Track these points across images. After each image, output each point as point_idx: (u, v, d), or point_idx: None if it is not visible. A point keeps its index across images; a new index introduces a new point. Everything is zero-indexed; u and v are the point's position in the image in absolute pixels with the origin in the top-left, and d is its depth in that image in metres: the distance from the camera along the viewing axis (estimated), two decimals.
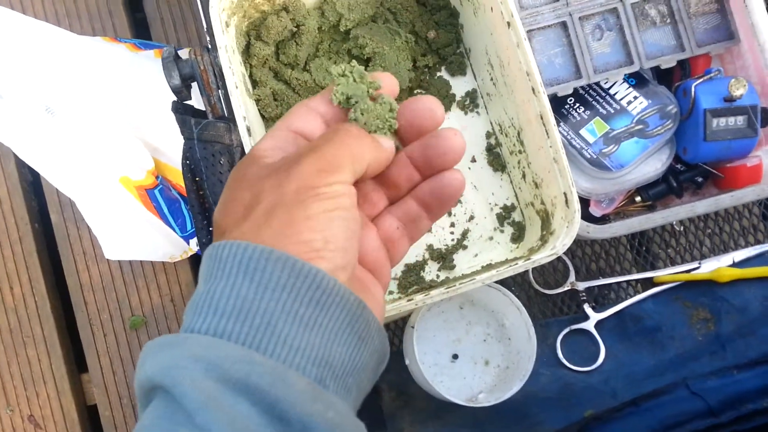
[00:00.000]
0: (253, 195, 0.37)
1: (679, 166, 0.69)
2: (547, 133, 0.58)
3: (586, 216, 0.69)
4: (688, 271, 0.70)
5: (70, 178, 0.99)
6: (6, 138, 0.95)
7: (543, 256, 0.58)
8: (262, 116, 0.67)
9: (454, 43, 0.70)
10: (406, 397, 0.68)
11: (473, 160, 0.70)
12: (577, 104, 0.67)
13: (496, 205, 0.69)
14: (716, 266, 0.70)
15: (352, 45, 0.67)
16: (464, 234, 0.68)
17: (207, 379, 0.32)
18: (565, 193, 0.58)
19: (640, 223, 0.64)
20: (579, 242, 0.74)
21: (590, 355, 0.70)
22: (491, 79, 0.67)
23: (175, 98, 0.68)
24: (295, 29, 0.66)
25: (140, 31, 1.40)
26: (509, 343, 0.67)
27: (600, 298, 0.72)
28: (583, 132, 0.67)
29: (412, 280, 0.67)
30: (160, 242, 1.14)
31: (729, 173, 0.67)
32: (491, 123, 0.70)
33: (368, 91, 0.40)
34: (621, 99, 0.67)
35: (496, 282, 0.60)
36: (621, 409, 0.63)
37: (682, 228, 0.73)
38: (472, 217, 0.69)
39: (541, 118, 0.58)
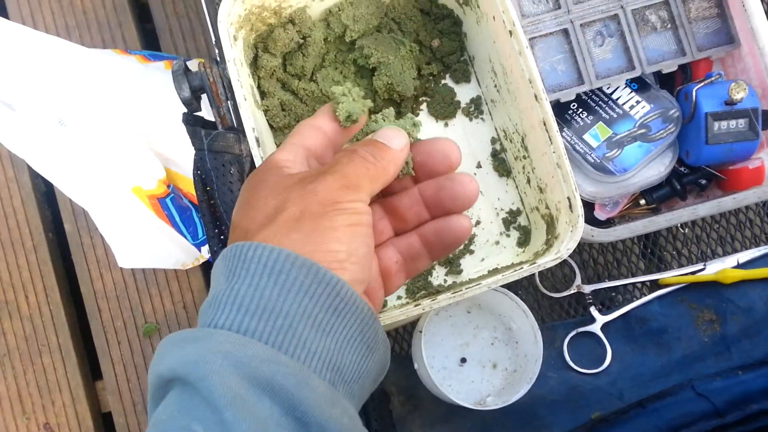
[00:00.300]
0: (278, 201, 0.39)
1: (682, 169, 0.70)
2: (550, 139, 0.59)
3: (591, 219, 0.70)
4: (693, 273, 0.71)
5: (83, 188, 1.01)
6: (20, 149, 0.96)
7: (548, 260, 0.58)
8: (271, 126, 0.69)
9: (458, 51, 0.71)
10: (416, 401, 0.69)
11: (479, 166, 0.71)
12: (580, 109, 0.68)
13: (501, 209, 0.70)
14: (721, 268, 0.70)
15: (357, 55, 0.68)
16: (471, 239, 0.69)
17: (234, 376, 0.33)
18: (568, 198, 0.59)
19: (644, 226, 0.65)
20: (586, 245, 0.74)
21: (597, 357, 0.70)
22: (495, 86, 0.68)
23: (185, 110, 0.70)
24: (301, 41, 0.67)
25: (149, 42, 1.42)
26: (516, 346, 0.68)
27: (606, 300, 0.73)
28: (586, 137, 0.67)
29: (419, 285, 0.69)
30: (172, 250, 1.16)
31: (732, 175, 0.67)
32: (496, 129, 0.71)
33: (363, 111, 0.43)
34: (623, 104, 0.68)
35: (503, 286, 0.61)
36: (627, 410, 0.64)
37: (686, 230, 0.74)
38: (478, 222, 0.70)
39: (544, 124, 0.59)
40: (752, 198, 0.64)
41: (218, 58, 0.69)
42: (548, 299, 0.73)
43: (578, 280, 0.72)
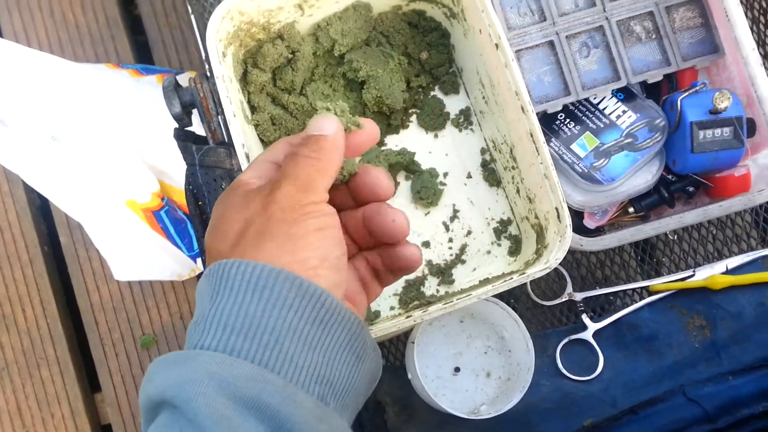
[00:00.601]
0: (243, 219, 0.39)
1: (670, 176, 0.71)
2: (537, 151, 0.60)
3: (581, 228, 0.71)
4: (682, 279, 0.71)
5: (78, 203, 1.01)
6: (14, 165, 0.97)
7: (537, 270, 0.59)
8: (262, 140, 0.69)
9: (446, 63, 0.72)
10: (410, 411, 0.70)
11: (469, 176, 0.72)
12: (568, 120, 0.69)
13: (492, 219, 0.71)
14: (710, 274, 0.71)
15: (346, 69, 0.69)
16: (462, 249, 0.70)
17: (219, 396, 0.33)
18: (556, 208, 0.60)
19: (631, 234, 0.65)
20: (576, 253, 0.75)
21: (589, 364, 0.71)
22: (483, 98, 0.69)
23: (176, 125, 0.70)
24: (290, 56, 0.68)
25: (142, 54, 1.42)
26: (510, 354, 0.69)
27: (598, 307, 0.74)
28: (574, 147, 0.68)
29: (412, 295, 0.69)
30: (167, 262, 1.16)
31: (718, 183, 0.68)
32: (485, 140, 0.71)
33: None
34: (610, 113, 0.69)
35: (494, 296, 0.62)
36: (620, 417, 0.65)
37: (675, 237, 0.75)
38: (469, 232, 0.71)
39: (531, 135, 0.60)
40: (738, 205, 0.65)
41: (208, 73, 0.70)
42: (540, 307, 0.74)
43: (569, 288, 0.73)
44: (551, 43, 0.68)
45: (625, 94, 0.69)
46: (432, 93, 0.73)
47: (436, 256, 0.70)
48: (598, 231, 0.71)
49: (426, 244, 0.70)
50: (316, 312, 0.36)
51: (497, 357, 0.69)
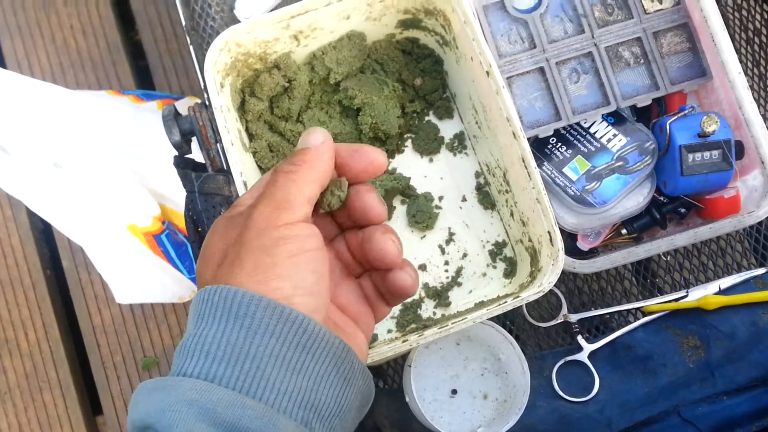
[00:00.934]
0: (223, 245, 0.39)
1: (662, 198, 0.72)
2: (529, 176, 0.61)
3: (574, 250, 0.72)
4: (676, 300, 0.72)
5: (80, 227, 1.02)
6: (16, 191, 0.98)
7: (530, 294, 0.60)
8: (260, 167, 0.71)
9: (440, 88, 0.73)
10: None
11: (464, 199, 0.73)
12: (559, 144, 0.70)
13: (488, 242, 0.72)
14: (703, 294, 0.72)
15: (342, 96, 0.70)
16: (458, 271, 0.71)
17: (199, 422, 0.33)
18: (549, 232, 0.61)
19: (623, 257, 0.66)
20: (571, 275, 0.76)
21: (585, 385, 0.71)
22: (476, 123, 0.70)
23: (176, 153, 0.71)
24: (287, 84, 0.69)
25: (143, 79, 1.44)
26: (506, 376, 0.69)
27: (593, 329, 0.75)
28: (566, 170, 0.69)
29: (409, 318, 0.70)
30: (168, 284, 1.17)
31: (709, 204, 0.69)
32: (479, 163, 0.73)
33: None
34: (601, 137, 0.70)
35: (490, 318, 0.63)
36: None
37: (668, 258, 0.76)
38: (465, 255, 0.71)
39: (523, 161, 0.61)
40: (728, 227, 0.66)
41: (207, 102, 0.71)
42: (536, 329, 0.74)
43: (564, 310, 0.74)
44: (541, 70, 0.70)
45: (615, 118, 0.70)
46: (426, 118, 0.74)
47: (432, 278, 0.71)
48: (592, 253, 0.72)
49: (422, 267, 0.71)
50: (298, 338, 0.36)
51: (494, 379, 0.69)
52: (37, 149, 0.90)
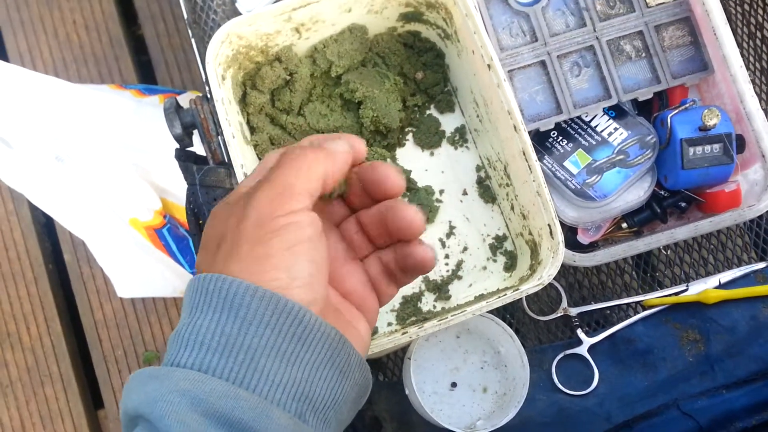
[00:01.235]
0: (220, 233, 0.39)
1: (662, 192, 0.72)
2: (530, 169, 0.61)
3: (575, 244, 0.72)
4: (676, 294, 0.72)
5: (82, 221, 1.02)
6: (18, 185, 0.98)
7: (530, 287, 0.60)
8: (261, 160, 0.71)
9: (441, 82, 0.73)
10: (408, 426, 0.70)
11: (465, 193, 0.73)
12: (560, 137, 0.70)
13: (488, 235, 0.72)
14: (703, 288, 0.72)
15: (343, 89, 0.71)
16: (458, 265, 0.71)
17: (192, 413, 0.33)
18: (549, 225, 0.61)
19: (624, 250, 0.66)
20: (571, 268, 0.76)
21: (585, 378, 0.72)
22: (477, 116, 0.70)
23: (178, 146, 0.72)
24: (288, 77, 0.69)
25: (146, 74, 1.45)
26: (506, 369, 0.69)
27: (592, 322, 0.75)
28: (566, 164, 0.69)
29: (409, 311, 0.70)
30: (170, 278, 1.17)
31: (709, 198, 0.69)
32: (480, 157, 0.73)
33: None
34: (602, 131, 0.70)
35: (489, 311, 0.63)
36: (615, 431, 0.66)
37: (668, 251, 0.76)
38: (465, 248, 0.72)
39: (524, 154, 0.61)
40: (728, 221, 0.66)
41: (208, 95, 0.71)
42: (536, 322, 0.75)
43: (564, 303, 0.74)
44: (543, 63, 0.70)
45: (617, 112, 0.70)
46: (428, 112, 0.74)
47: (432, 272, 0.71)
48: (592, 246, 0.72)
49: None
50: (294, 329, 0.36)
51: (493, 372, 0.69)
52: (39, 143, 0.91)
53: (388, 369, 0.75)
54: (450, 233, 0.71)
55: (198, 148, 0.73)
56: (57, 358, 1.37)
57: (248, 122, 0.70)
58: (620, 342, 0.72)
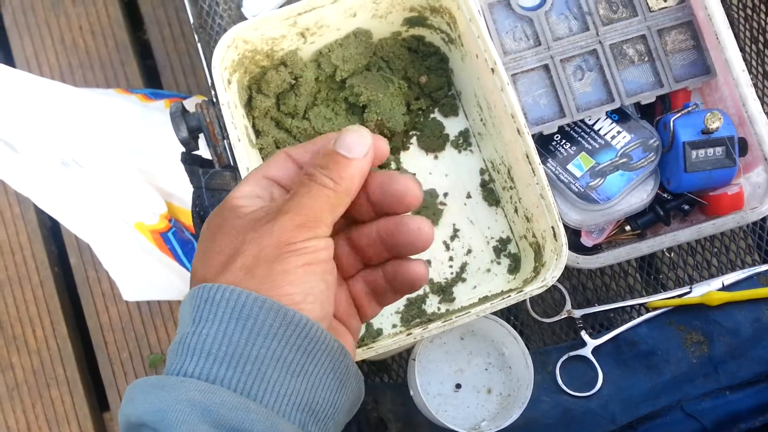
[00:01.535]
0: (233, 247, 0.38)
1: (665, 195, 0.72)
2: (533, 172, 0.62)
3: (578, 246, 0.72)
4: (679, 296, 0.73)
5: (88, 225, 1.03)
6: (25, 189, 0.99)
7: (534, 288, 0.60)
8: None
9: (445, 86, 0.74)
10: (412, 427, 0.71)
11: (469, 196, 0.73)
12: (564, 141, 0.71)
13: (492, 238, 0.72)
14: (707, 290, 0.72)
15: (348, 93, 0.71)
16: (462, 267, 0.71)
17: (202, 424, 0.33)
18: (552, 227, 0.61)
19: (627, 252, 0.67)
20: (575, 271, 0.76)
21: (589, 380, 0.72)
22: (481, 120, 0.71)
23: (183, 149, 0.72)
24: (293, 81, 0.70)
25: (151, 78, 1.46)
26: (510, 371, 0.70)
27: (596, 324, 0.75)
28: (570, 167, 0.70)
29: (414, 313, 0.71)
30: (175, 282, 1.18)
31: (712, 201, 0.69)
32: (484, 160, 0.73)
33: None
34: (605, 134, 0.70)
35: (494, 313, 0.63)
36: None
37: (672, 254, 0.76)
38: (469, 251, 0.72)
39: (527, 157, 0.62)
40: (731, 223, 0.67)
41: (214, 99, 0.72)
42: (540, 324, 0.75)
43: (568, 305, 0.74)
44: (546, 67, 0.70)
45: (620, 115, 0.71)
46: (432, 115, 0.74)
47: (437, 274, 0.71)
48: (596, 249, 0.73)
49: (427, 263, 0.71)
50: (300, 341, 0.36)
51: (498, 373, 0.70)
52: (45, 147, 0.92)
53: (393, 370, 0.76)
54: (454, 236, 0.72)
55: (204, 151, 0.73)
56: (63, 361, 1.38)
57: (254, 126, 0.71)
58: (624, 344, 0.72)
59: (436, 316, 0.70)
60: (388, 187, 0.41)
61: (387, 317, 0.70)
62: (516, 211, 0.69)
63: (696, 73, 0.71)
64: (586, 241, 0.72)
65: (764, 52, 0.79)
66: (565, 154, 0.71)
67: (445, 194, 0.73)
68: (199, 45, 0.77)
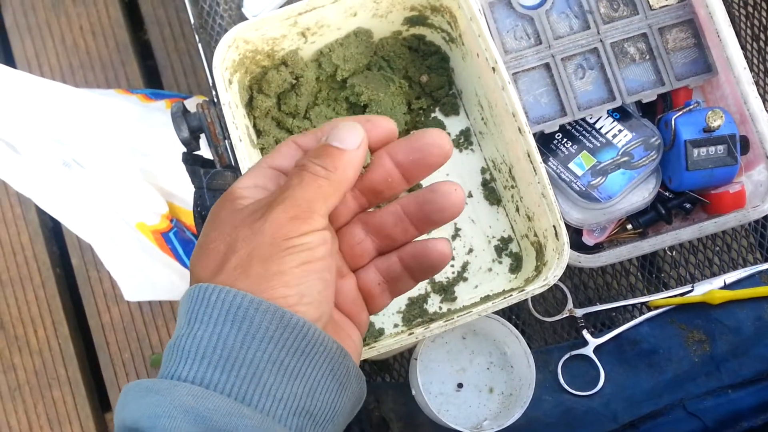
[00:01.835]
0: (227, 244, 0.37)
1: (667, 193, 0.72)
2: (535, 170, 0.62)
3: (580, 245, 0.72)
4: (681, 295, 0.73)
5: (89, 225, 1.03)
6: (26, 190, 0.99)
7: (536, 287, 0.60)
8: None
9: (446, 85, 0.74)
10: (414, 427, 0.71)
11: (470, 195, 0.73)
12: (565, 139, 0.71)
13: (493, 237, 0.72)
14: (708, 289, 0.72)
15: (349, 93, 0.71)
16: (464, 266, 0.71)
17: (195, 430, 0.32)
18: (554, 226, 0.61)
19: (629, 251, 0.67)
20: (576, 270, 0.76)
21: (591, 379, 0.72)
22: (482, 119, 0.71)
23: (185, 150, 0.72)
24: (294, 81, 0.70)
25: (152, 78, 1.46)
26: (512, 370, 0.70)
27: (598, 323, 0.75)
28: (571, 165, 0.70)
29: (415, 313, 0.71)
30: (176, 282, 1.18)
31: (714, 199, 0.69)
32: (485, 159, 0.73)
33: None
34: (606, 133, 0.70)
35: (496, 312, 0.63)
36: (621, 431, 0.66)
37: (674, 253, 0.76)
38: (471, 250, 0.72)
39: (528, 156, 0.62)
40: (733, 221, 0.66)
41: (215, 99, 0.72)
42: (542, 323, 0.75)
43: (570, 305, 0.74)
44: (547, 66, 0.70)
45: (621, 114, 0.71)
46: (433, 115, 0.74)
47: (438, 274, 0.71)
48: (597, 248, 0.73)
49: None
50: (297, 343, 0.35)
51: (500, 373, 0.70)
52: (46, 148, 0.92)
53: (395, 370, 0.76)
54: (455, 235, 0.72)
55: (205, 151, 0.73)
56: (64, 361, 1.38)
57: (255, 126, 0.71)
58: (626, 343, 0.72)
59: (438, 315, 0.70)
60: (417, 142, 0.40)
61: (389, 317, 0.70)
62: (517, 210, 0.69)
63: (697, 72, 0.70)
64: (588, 240, 0.72)
65: (765, 50, 0.79)
66: (567, 152, 0.70)
67: None
68: (199, 45, 0.77)
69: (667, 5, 0.71)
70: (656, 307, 0.73)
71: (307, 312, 0.36)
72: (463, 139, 0.74)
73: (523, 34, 0.71)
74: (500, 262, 0.71)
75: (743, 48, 0.70)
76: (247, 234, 0.36)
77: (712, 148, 0.66)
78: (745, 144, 0.68)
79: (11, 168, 0.94)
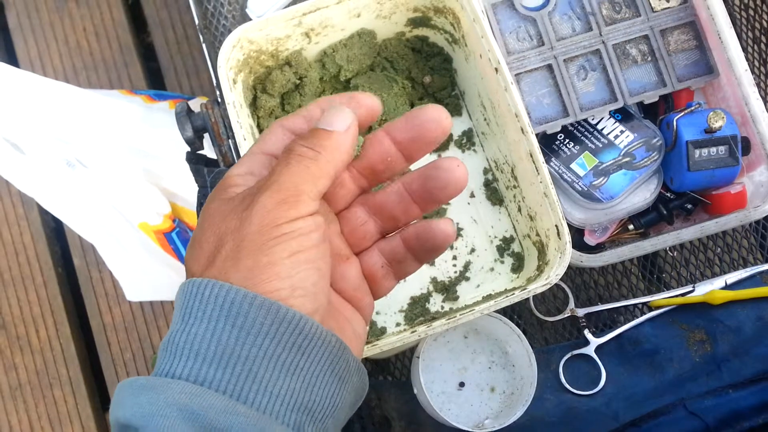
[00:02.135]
0: (218, 236, 0.36)
1: (668, 194, 0.72)
2: (537, 170, 0.62)
3: (582, 245, 0.73)
4: (682, 295, 0.73)
5: (91, 225, 1.03)
6: (29, 189, 0.99)
7: (538, 286, 0.61)
8: None
9: (449, 86, 0.74)
10: (416, 426, 0.71)
11: (472, 195, 0.74)
12: (567, 140, 0.71)
13: (495, 237, 0.72)
14: (710, 289, 0.72)
15: None
16: (466, 266, 0.72)
17: (189, 428, 0.32)
18: (556, 226, 0.61)
19: (630, 251, 0.67)
20: (578, 269, 0.77)
21: (592, 378, 0.72)
22: (485, 119, 0.71)
23: (188, 149, 0.73)
24: (298, 81, 0.70)
25: (155, 80, 1.46)
26: (513, 369, 0.70)
27: (599, 323, 0.75)
28: (573, 166, 0.70)
29: (417, 312, 0.71)
30: (178, 282, 1.18)
31: (715, 200, 0.70)
32: (487, 160, 0.74)
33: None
34: (608, 133, 0.71)
35: (497, 311, 0.63)
36: (622, 430, 0.66)
37: (675, 253, 0.76)
38: (473, 250, 0.72)
39: (531, 156, 0.62)
40: (734, 222, 0.67)
41: (219, 99, 0.72)
42: (543, 323, 0.75)
43: (572, 304, 0.74)
44: (549, 67, 0.71)
45: (623, 115, 0.71)
46: None
47: (440, 273, 0.72)
48: (599, 248, 0.73)
49: (431, 262, 0.72)
50: (294, 338, 0.34)
51: (501, 372, 0.70)
52: (50, 148, 0.92)
53: (397, 369, 0.76)
54: (458, 235, 0.72)
55: (209, 151, 0.74)
56: (66, 361, 1.38)
57: (258, 125, 0.71)
58: (627, 342, 0.72)
59: (440, 314, 0.70)
60: (414, 119, 0.39)
61: (391, 316, 0.70)
62: (519, 210, 0.69)
63: (699, 73, 0.71)
64: (590, 239, 0.72)
65: (766, 52, 0.80)
66: (569, 153, 0.71)
67: None
68: (204, 45, 0.77)
69: (668, 7, 0.72)
70: (657, 308, 0.73)
71: (302, 305, 0.35)
72: (466, 140, 0.74)
73: (525, 36, 0.71)
74: (502, 262, 0.72)
75: (744, 50, 0.70)
76: (235, 224, 0.35)
77: (713, 149, 0.66)
78: (746, 145, 0.68)
79: (15, 167, 0.95)
